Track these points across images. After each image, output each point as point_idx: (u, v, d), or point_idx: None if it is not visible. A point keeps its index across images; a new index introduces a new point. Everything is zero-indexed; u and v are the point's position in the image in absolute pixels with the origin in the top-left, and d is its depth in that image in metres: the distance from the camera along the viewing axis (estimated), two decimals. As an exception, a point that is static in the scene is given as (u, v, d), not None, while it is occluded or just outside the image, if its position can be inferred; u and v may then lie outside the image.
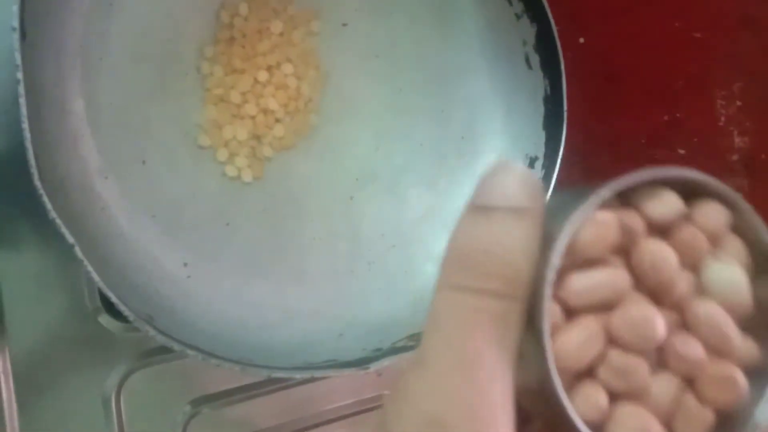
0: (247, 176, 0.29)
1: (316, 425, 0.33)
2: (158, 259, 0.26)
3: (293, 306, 0.29)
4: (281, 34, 0.30)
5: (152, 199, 0.27)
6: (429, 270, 0.33)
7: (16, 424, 0.27)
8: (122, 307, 0.21)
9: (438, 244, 0.34)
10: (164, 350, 0.30)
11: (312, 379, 0.26)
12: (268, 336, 0.28)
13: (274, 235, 0.30)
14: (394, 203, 0.33)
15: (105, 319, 0.29)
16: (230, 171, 0.29)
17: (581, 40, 0.40)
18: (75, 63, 0.25)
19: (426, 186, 0.34)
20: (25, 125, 0.20)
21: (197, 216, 0.28)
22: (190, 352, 0.23)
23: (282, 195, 0.30)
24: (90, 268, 0.21)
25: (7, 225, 0.27)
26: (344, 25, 0.32)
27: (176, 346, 0.23)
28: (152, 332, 0.22)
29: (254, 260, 0.29)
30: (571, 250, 0.13)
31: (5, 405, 0.27)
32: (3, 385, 0.27)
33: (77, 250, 0.21)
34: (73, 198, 0.24)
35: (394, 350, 0.28)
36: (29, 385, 0.27)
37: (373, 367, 0.26)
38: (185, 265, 0.27)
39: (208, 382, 0.31)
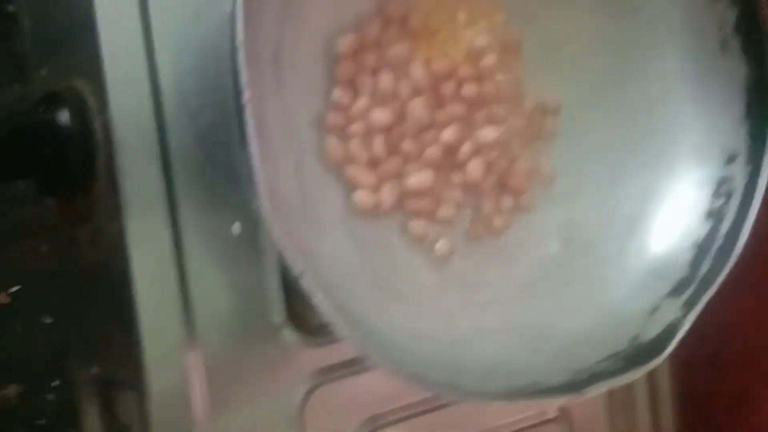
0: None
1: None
2: (356, 278, 0.25)
3: (484, 320, 0.28)
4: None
5: (346, 214, 0.26)
6: (612, 280, 0.30)
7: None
8: (350, 340, 0.20)
9: (624, 251, 0.31)
10: (344, 365, 0.29)
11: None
12: (463, 353, 0.26)
13: (467, 243, 0.28)
14: (578, 208, 0.31)
15: (288, 333, 0.28)
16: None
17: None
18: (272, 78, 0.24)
19: (610, 187, 0.31)
20: (255, 151, 0.19)
21: (388, 230, 0.27)
22: (413, 382, 0.22)
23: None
24: (319, 298, 0.20)
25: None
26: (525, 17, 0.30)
27: (401, 377, 0.21)
28: (379, 363, 0.21)
29: (445, 275, 0.28)
30: None
31: (199, 412, 0.27)
32: (196, 391, 0.27)
33: (305, 280, 0.20)
34: (278, 223, 0.23)
35: (599, 373, 0.26)
36: (219, 396, 0.27)
37: (588, 393, 0.24)
38: (380, 282, 0.26)
39: (386, 397, 0.31)
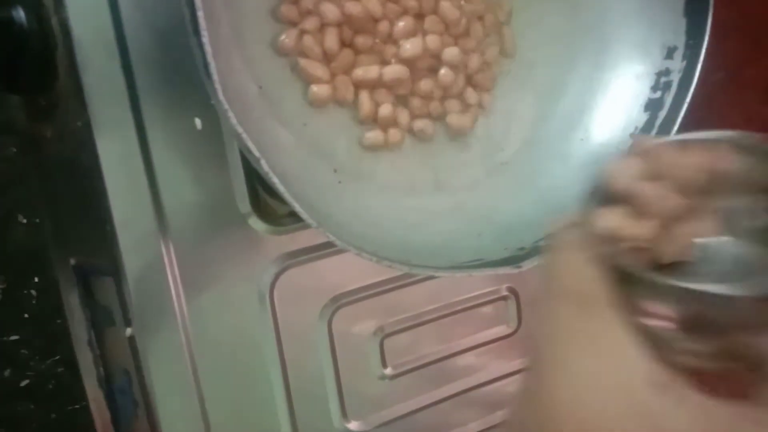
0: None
1: (444, 316, 0.36)
2: (312, 167, 0.27)
3: (432, 207, 0.30)
4: None
5: (302, 106, 0.27)
6: (555, 169, 0.33)
7: (185, 311, 0.29)
8: (304, 214, 0.22)
9: (564, 143, 0.33)
10: (308, 251, 0.32)
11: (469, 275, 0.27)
12: (412, 236, 0.29)
13: (412, 138, 0.30)
14: (524, 101, 0.33)
15: (254, 222, 0.30)
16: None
17: None
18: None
19: (555, 81, 0.33)
20: (205, 38, 0.20)
21: (345, 121, 0.28)
22: (365, 255, 0.24)
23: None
24: (275, 180, 0.22)
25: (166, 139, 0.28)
26: None
27: (353, 250, 0.24)
28: (333, 239, 0.23)
29: (395, 164, 0.30)
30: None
31: (173, 293, 0.29)
32: (169, 274, 0.29)
33: (263, 163, 0.22)
34: (234, 110, 0.24)
35: (536, 251, 0.29)
36: (192, 278, 0.29)
37: (525, 265, 0.27)
38: (335, 171, 0.28)
39: (346, 279, 0.33)
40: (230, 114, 0.21)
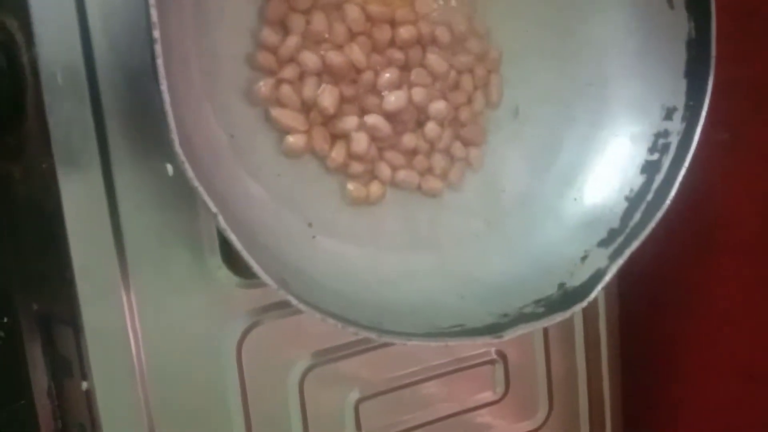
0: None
1: (427, 379, 0.33)
2: (285, 219, 0.26)
3: (413, 264, 0.28)
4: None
5: (276, 157, 0.26)
6: (549, 227, 0.31)
7: (144, 366, 0.28)
8: (262, 274, 0.21)
9: (559, 200, 0.32)
10: (280, 306, 0.30)
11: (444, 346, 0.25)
12: (389, 294, 0.27)
13: (393, 191, 0.29)
14: (515, 156, 0.31)
15: (225, 274, 0.29)
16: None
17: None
18: (193, 15, 0.24)
19: (547, 137, 0.31)
20: (164, 86, 0.19)
21: (321, 173, 0.27)
22: (329, 320, 0.22)
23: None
24: (233, 237, 0.20)
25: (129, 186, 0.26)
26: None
27: (317, 315, 0.22)
28: (293, 300, 0.21)
29: (374, 218, 0.28)
30: None
31: (132, 347, 0.27)
32: (129, 327, 0.27)
33: (220, 219, 0.20)
34: (201, 158, 0.23)
35: (523, 317, 0.27)
36: (154, 332, 0.28)
37: (507, 335, 0.25)
38: (309, 225, 0.27)
39: (322, 336, 0.31)
40: (187, 166, 0.20)
